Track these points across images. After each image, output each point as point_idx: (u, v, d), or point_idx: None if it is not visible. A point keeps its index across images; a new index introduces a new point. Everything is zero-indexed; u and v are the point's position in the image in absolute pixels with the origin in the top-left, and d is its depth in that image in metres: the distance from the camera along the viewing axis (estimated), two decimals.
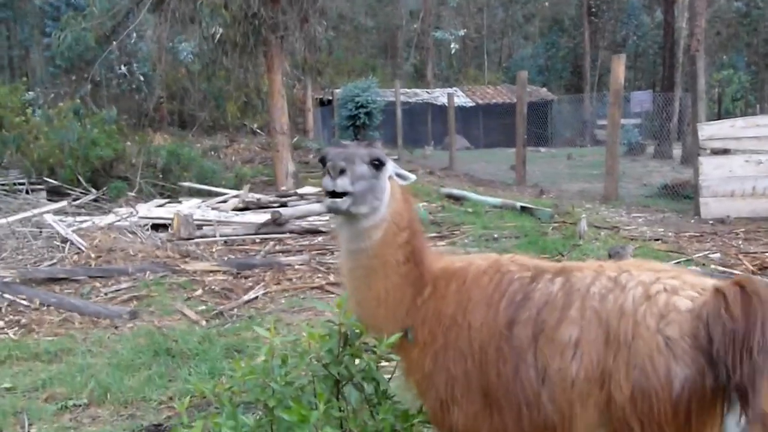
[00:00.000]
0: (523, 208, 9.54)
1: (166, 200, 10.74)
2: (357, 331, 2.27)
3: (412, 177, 2.40)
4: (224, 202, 10.26)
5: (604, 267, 2.08)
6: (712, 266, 6.51)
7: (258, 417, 2.31)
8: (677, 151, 18.45)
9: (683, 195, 10.86)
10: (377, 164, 2.23)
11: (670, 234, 8.18)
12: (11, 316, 5.53)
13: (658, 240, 7.78)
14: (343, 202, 2.12)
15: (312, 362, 2.25)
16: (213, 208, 9.78)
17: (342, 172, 2.11)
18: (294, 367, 2.27)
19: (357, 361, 2.32)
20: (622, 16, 35.73)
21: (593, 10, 34.07)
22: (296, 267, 7.07)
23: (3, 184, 10.78)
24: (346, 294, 2.42)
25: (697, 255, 6.94)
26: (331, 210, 2.18)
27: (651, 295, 1.88)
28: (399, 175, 2.36)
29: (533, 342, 1.99)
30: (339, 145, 2.33)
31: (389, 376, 2.50)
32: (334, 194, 2.12)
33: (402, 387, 2.41)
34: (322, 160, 2.22)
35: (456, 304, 2.22)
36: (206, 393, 2.34)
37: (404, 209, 2.33)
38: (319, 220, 9.20)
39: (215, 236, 8.26)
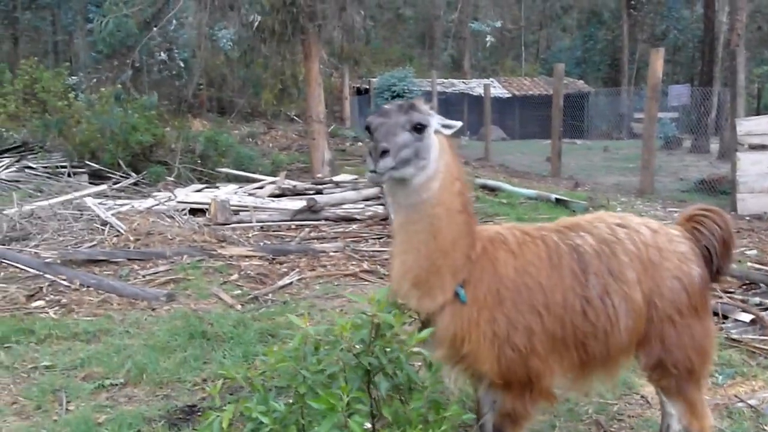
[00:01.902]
0: (557, 200, 9.45)
1: (204, 185, 10.85)
2: (389, 323, 2.21)
3: (457, 124, 2.48)
4: (261, 188, 10.30)
5: (601, 219, 2.71)
6: (749, 263, 6.24)
7: (289, 402, 2.27)
8: (714, 145, 18.13)
9: (720, 190, 10.66)
10: (419, 128, 2.31)
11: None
12: (52, 296, 5.64)
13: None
14: (380, 176, 2.24)
15: (343, 351, 2.22)
16: (249, 194, 9.82)
17: (384, 153, 2.20)
18: (326, 355, 2.24)
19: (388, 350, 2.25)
20: (662, 10, 34.93)
21: (633, 2, 33.39)
22: (331, 254, 7.05)
23: (46, 167, 11.03)
24: (401, 257, 2.41)
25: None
26: (373, 182, 2.35)
27: (655, 230, 2.67)
28: (445, 126, 2.44)
29: (608, 285, 2.52)
30: (382, 112, 2.37)
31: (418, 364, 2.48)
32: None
33: (447, 355, 2.43)
34: (368, 128, 2.36)
35: (514, 268, 2.47)
36: (238, 378, 2.31)
37: (453, 161, 2.45)
38: (354, 208, 9.16)
39: (251, 222, 8.30)
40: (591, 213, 3.30)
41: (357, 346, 2.18)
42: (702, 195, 10.70)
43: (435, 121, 2.41)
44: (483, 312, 2.39)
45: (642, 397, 3.70)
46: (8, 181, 10.26)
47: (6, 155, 11.92)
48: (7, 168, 11.11)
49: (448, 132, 2.45)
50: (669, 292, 2.59)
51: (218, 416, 2.12)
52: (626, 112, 27.98)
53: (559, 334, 2.47)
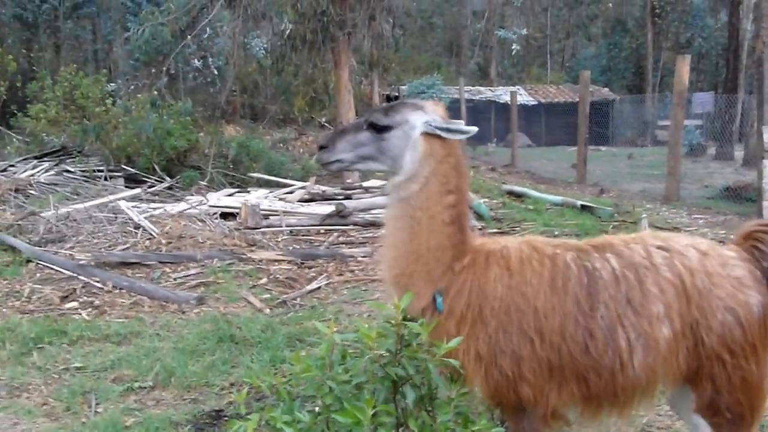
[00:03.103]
0: (583, 207, 9.40)
1: (236, 190, 10.95)
2: (415, 331, 2.14)
3: (469, 129, 2.38)
4: (291, 193, 10.36)
5: (641, 240, 2.39)
6: None
7: (315, 412, 2.23)
8: (739, 153, 17.99)
9: (745, 198, 10.50)
10: (379, 128, 2.37)
11: (732, 237, 7.73)
12: (85, 298, 5.73)
13: (720, 242, 7.42)
14: (322, 165, 2.51)
15: (370, 361, 2.16)
16: (280, 199, 9.88)
17: (321, 148, 2.46)
18: (353, 364, 2.20)
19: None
20: (686, 18, 34.81)
21: (657, 11, 33.35)
22: (359, 259, 7.03)
23: (83, 171, 11.28)
24: (384, 251, 2.44)
25: None
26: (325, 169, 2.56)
27: (705, 252, 2.31)
28: (444, 129, 2.33)
29: (622, 317, 2.22)
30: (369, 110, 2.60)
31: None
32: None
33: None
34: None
35: (506, 288, 2.28)
36: (263, 387, 2.29)
37: (450, 172, 2.36)
38: (383, 213, 9.10)
39: (281, 226, 8.33)
40: (645, 231, 3.03)
41: (384, 355, 2.13)
42: (728, 202, 10.63)
43: (419, 122, 2.34)
44: (462, 327, 2.28)
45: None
46: (47, 184, 10.52)
47: (45, 159, 12.25)
48: (46, 171, 11.40)
49: (450, 136, 2.34)
50: (719, 326, 2.24)
51: (242, 425, 2.09)
52: (650, 119, 28.10)
53: (556, 363, 2.25)
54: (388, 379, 2.12)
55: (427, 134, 2.34)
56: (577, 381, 2.26)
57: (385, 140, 2.36)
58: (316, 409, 2.25)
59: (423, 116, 2.35)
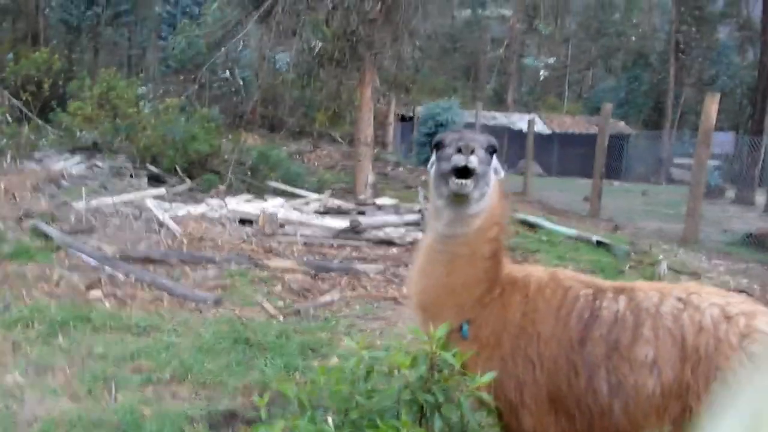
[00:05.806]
0: (598, 243, 9.15)
1: (252, 196, 11.19)
2: (448, 361, 2.17)
3: (502, 173, 2.41)
4: (306, 204, 10.54)
5: (669, 288, 2.25)
6: None
7: (337, 424, 2.27)
8: (760, 197, 17.27)
9: None
10: (492, 151, 2.28)
11: (755, 287, 7.66)
12: (109, 288, 5.93)
13: (742, 292, 7.22)
14: (468, 185, 2.16)
15: (401, 387, 2.21)
16: (295, 209, 10.07)
17: (473, 151, 2.15)
18: (384, 389, 2.27)
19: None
20: (711, 55, 33.82)
21: (681, 46, 32.04)
22: (371, 275, 7.14)
23: (111, 167, 11.65)
24: (416, 276, 2.43)
25: None
26: (457, 193, 2.19)
27: (730, 316, 2.05)
28: (495, 169, 2.36)
29: (606, 358, 2.14)
30: (454, 131, 2.38)
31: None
32: (459, 174, 2.16)
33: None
34: (438, 145, 2.29)
35: (522, 314, 2.29)
36: (289, 395, 2.36)
37: (499, 203, 2.36)
38: (395, 232, 9.27)
39: (296, 236, 8.51)
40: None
41: (413, 380, 2.17)
42: (750, 249, 10.14)
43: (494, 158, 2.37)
44: (484, 350, 2.30)
45: None
46: (77, 176, 10.91)
47: (77, 153, 12.67)
48: (77, 164, 11.82)
49: (497, 176, 2.38)
50: (703, 397, 2.00)
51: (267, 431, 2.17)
52: (666, 156, 27.15)
53: (553, 393, 2.21)
54: (415, 404, 2.16)
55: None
56: (567, 416, 2.21)
57: (489, 166, 2.27)
58: (329, 419, 2.26)
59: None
